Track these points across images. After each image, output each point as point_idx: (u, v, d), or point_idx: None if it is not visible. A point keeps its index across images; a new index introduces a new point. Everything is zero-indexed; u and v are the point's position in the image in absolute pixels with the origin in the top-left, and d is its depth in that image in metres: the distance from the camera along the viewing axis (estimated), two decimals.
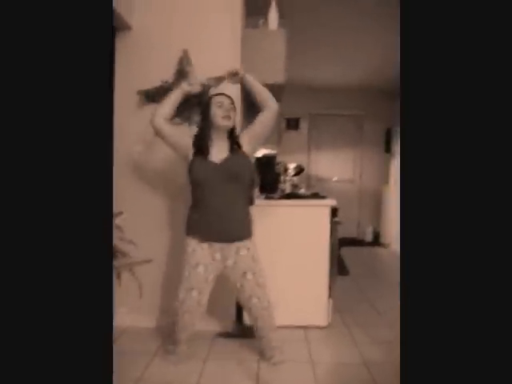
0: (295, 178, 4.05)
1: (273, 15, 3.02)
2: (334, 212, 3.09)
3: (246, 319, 2.89)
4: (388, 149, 6.81)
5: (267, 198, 3.11)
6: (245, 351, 2.64)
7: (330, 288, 3.09)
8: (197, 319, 2.41)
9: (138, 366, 2.43)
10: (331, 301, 3.11)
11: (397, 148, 6.13)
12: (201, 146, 2.28)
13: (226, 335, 2.88)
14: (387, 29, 4.10)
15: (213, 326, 2.95)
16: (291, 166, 4.09)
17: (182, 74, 2.83)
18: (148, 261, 2.30)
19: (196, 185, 2.28)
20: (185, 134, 2.42)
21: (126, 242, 2.21)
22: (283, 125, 6.94)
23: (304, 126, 7.20)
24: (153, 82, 2.86)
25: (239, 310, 3.02)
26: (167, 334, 2.60)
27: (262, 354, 2.49)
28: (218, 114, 2.26)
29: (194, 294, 2.31)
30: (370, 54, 5.14)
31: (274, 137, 4.32)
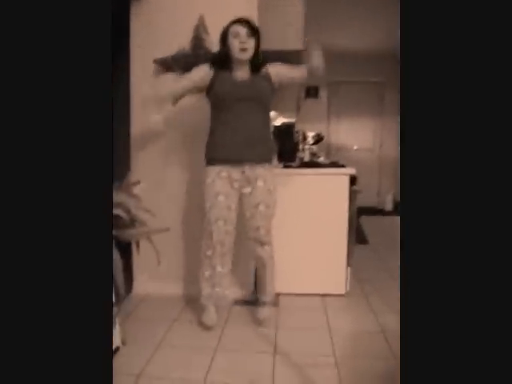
0: (314, 147, 4.02)
1: None
2: (353, 180, 3.06)
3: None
4: None
5: (286, 166, 3.09)
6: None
7: (349, 256, 3.08)
8: (228, 249, 2.45)
9: (159, 330, 2.48)
10: (350, 269, 3.11)
11: None
12: (223, 62, 2.25)
13: (244, 303, 2.91)
14: None
15: (232, 294, 2.98)
16: (310, 135, 4.05)
17: (198, 41, 2.79)
18: (165, 229, 2.31)
19: (217, 101, 2.26)
20: (198, 71, 2.38)
21: (144, 211, 2.21)
22: (302, 93, 6.84)
23: (323, 94, 7.09)
24: (169, 50, 2.82)
25: (257, 279, 3.05)
26: (195, 297, 2.66)
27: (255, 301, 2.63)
28: (234, 45, 2.19)
29: (220, 223, 2.35)
30: (391, 17, 4.98)
31: (292, 104, 4.27)
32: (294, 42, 2.84)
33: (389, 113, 7.14)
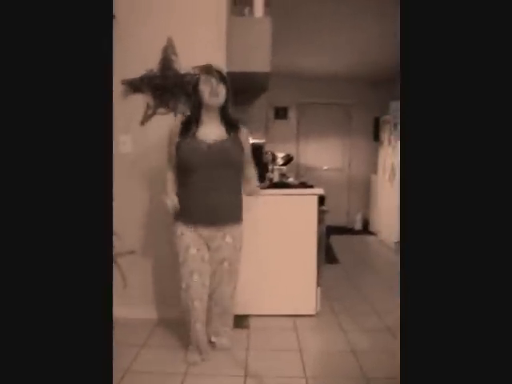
0: (284, 167, 4.05)
1: (258, 2, 2.99)
2: (322, 200, 3.09)
3: (236, 310, 2.88)
4: (376, 137, 6.81)
5: None
6: (232, 341, 2.64)
7: (319, 276, 3.09)
8: (205, 303, 2.38)
9: (126, 356, 2.42)
10: (320, 289, 3.11)
11: (385, 136, 6.13)
12: (189, 124, 2.24)
13: None
14: (375, 18, 4.09)
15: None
16: (280, 156, 4.08)
17: (167, 62, 2.79)
18: (131, 252, 2.28)
19: (184, 166, 2.23)
20: (168, 145, 2.36)
21: None
22: (271, 114, 6.92)
23: (292, 115, 7.18)
24: (137, 71, 2.82)
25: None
26: (186, 341, 2.50)
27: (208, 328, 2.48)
28: (205, 90, 2.19)
29: (196, 277, 2.29)
30: (357, 43, 5.11)
31: (261, 125, 4.30)
32: (261, 64, 2.87)
33: (356, 133, 7.27)
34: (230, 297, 2.46)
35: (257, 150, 3.47)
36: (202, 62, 2.34)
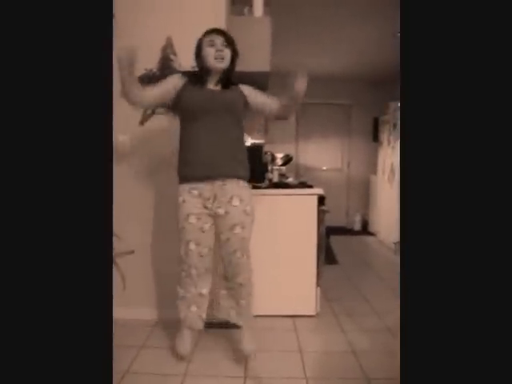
0: (283, 168, 4.04)
1: (258, 2, 2.98)
2: (322, 200, 3.08)
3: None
4: (375, 138, 6.81)
5: (254, 187, 3.08)
6: (231, 340, 2.63)
7: (318, 277, 3.08)
8: (204, 273, 2.29)
9: (126, 357, 2.40)
10: (319, 290, 3.10)
11: (384, 137, 6.13)
12: (196, 74, 2.14)
13: (213, 325, 2.85)
14: (375, 19, 4.09)
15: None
16: (279, 156, 4.08)
17: (165, 61, 2.78)
18: (130, 252, 2.26)
19: (187, 112, 2.13)
20: (171, 78, 2.23)
21: None
22: None
23: (292, 115, 7.17)
24: (137, 70, 2.79)
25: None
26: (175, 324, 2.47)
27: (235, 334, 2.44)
28: (209, 53, 2.07)
29: (192, 246, 2.19)
30: (356, 43, 5.12)
31: (261, 126, 4.30)
32: (261, 64, 2.86)
33: (356, 133, 7.28)
34: (246, 267, 2.29)
35: (256, 150, 3.47)
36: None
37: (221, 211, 2.17)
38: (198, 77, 2.14)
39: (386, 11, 3.73)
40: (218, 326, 2.82)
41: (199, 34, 2.78)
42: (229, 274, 2.31)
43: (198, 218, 2.17)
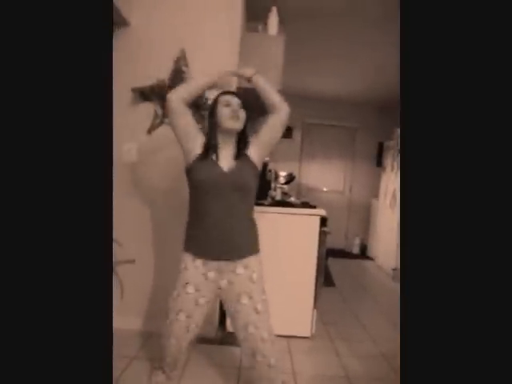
0: (285, 186, 4.04)
1: (273, 20, 3.00)
2: (324, 222, 3.07)
3: (229, 326, 2.84)
4: (379, 163, 6.82)
5: (257, 204, 3.07)
6: (226, 358, 2.59)
7: (316, 299, 3.05)
8: (184, 347, 2.12)
9: (116, 368, 2.37)
10: (316, 312, 3.07)
11: (388, 162, 6.14)
12: (210, 147, 2.00)
13: (207, 341, 2.83)
14: (383, 44, 4.11)
15: None
16: (282, 174, 4.07)
17: (178, 73, 2.79)
18: (131, 261, 2.23)
19: (199, 190, 1.98)
20: (199, 131, 2.08)
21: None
22: None
23: (297, 134, 7.20)
24: (148, 79, 2.82)
25: (222, 316, 2.98)
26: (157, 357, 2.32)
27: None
28: (225, 113, 1.98)
29: (182, 317, 2.02)
30: (365, 68, 5.16)
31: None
32: (272, 82, 2.85)
33: (359, 157, 7.29)
34: (266, 341, 1.98)
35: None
36: (214, 76, 2.27)
37: (224, 283, 2.01)
38: (211, 149, 2.01)
39: (397, 38, 3.77)
40: (209, 342, 2.79)
41: (213, 49, 2.81)
42: (246, 352, 2.05)
43: (197, 290, 2.00)
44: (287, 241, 2.99)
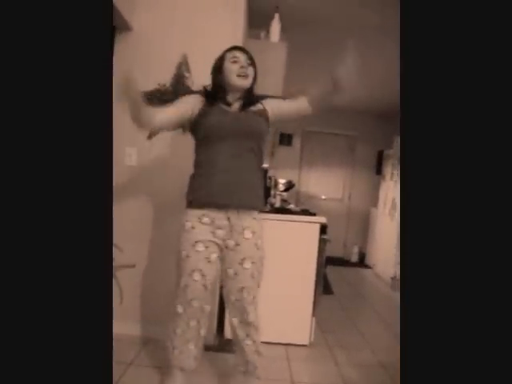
0: (285, 194, 4.03)
1: (275, 27, 3.01)
2: (324, 229, 3.06)
3: (227, 333, 2.82)
4: (379, 171, 6.82)
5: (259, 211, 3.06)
6: (224, 366, 2.58)
7: (315, 307, 3.04)
8: (207, 312, 2.09)
9: (113, 374, 2.34)
10: (314, 320, 3.05)
11: (388, 170, 6.14)
12: (215, 93, 1.95)
13: (205, 348, 2.80)
14: (383, 53, 4.12)
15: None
16: (282, 181, 4.06)
17: (179, 78, 2.79)
18: (131, 266, 2.21)
19: (207, 135, 1.93)
20: (191, 100, 2.03)
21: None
22: (276, 140, 6.93)
23: (297, 142, 7.20)
24: (149, 84, 2.81)
25: (220, 323, 2.96)
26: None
27: (236, 367, 2.24)
28: (232, 70, 1.91)
29: (197, 276, 1.95)
30: (365, 76, 5.16)
31: (266, 150, 4.29)
32: (273, 89, 2.87)
33: (359, 165, 7.30)
34: (252, 305, 2.09)
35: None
36: None
37: (231, 242, 2.00)
38: (215, 96, 1.97)
39: (396, 47, 3.78)
40: (206, 349, 2.77)
41: (215, 54, 2.79)
42: (231, 313, 2.12)
43: (207, 247, 1.96)
44: (286, 248, 2.97)
